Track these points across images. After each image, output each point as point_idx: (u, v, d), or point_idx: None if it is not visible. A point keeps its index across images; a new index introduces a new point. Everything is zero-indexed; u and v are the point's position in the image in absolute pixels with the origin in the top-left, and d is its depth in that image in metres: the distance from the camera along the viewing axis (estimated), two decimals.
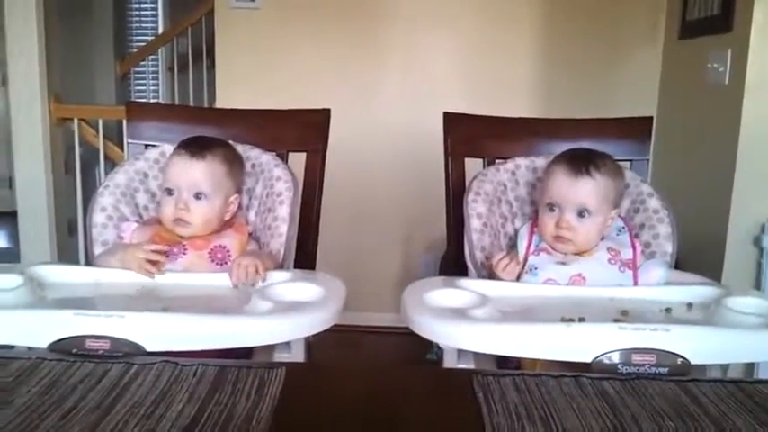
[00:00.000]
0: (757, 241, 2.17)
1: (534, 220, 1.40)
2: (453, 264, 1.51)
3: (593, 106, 2.81)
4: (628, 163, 1.53)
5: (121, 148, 3.29)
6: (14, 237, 3.27)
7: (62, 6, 3.28)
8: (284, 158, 1.56)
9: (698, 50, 2.47)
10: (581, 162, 1.32)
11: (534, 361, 1.13)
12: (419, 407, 0.85)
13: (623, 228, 1.39)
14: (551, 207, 1.33)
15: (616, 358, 0.95)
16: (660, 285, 1.29)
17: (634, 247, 1.34)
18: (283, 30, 2.92)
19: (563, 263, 1.31)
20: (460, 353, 1.17)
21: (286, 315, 1.04)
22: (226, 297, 1.20)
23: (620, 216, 1.40)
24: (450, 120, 1.61)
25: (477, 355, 1.18)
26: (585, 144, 1.43)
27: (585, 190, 1.31)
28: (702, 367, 1.06)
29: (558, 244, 1.32)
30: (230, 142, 1.48)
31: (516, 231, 1.44)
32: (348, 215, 2.96)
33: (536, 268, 1.32)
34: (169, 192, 1.36)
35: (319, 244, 1.63)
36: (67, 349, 0.94)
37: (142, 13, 5.35)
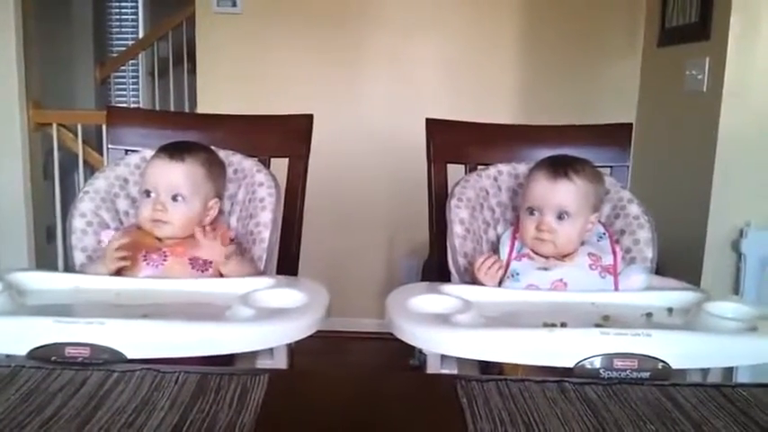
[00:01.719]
0: (736, 246, 2.20)
1: (516, 225, 1.41)
2: (436, 269, 1.51)
3: (574, 112, 2.84)
4: (608, 169, 1.55)
5: (101, 154, 3.26)
6: None
7: (40, 10, 3.25)
8: (266, 164, 1.55)
9: (676, 58, 2.50)
10: (560, 166, 1.34)
11: (516, 366, 1.13)
12: (403, 413, 0.85)
13: (604, 233, 1.40)
14: (531, 210, 1.35)
15: (598, 363, 0.95)
16: (641, 291, 1.30)
17: (615, 253, 1.35)
18: (265, 35, 2.91)
19: (545, 268, 1.32)
20: (444, 358, 1.17)
21: (268, 322, 1.03)
22: (207, 303, 1.19)
23: (600, 222, 1.42)
24: (433, 126, 1.61)
25: (460, 360, 1.18)
26: (566, 150, 1.44)
27: (564, 192, 1.32)
28: (683, 372, 1.07)
29: (538, 246, 1.33)
30: (212, 147, 1.48)
31: (498, 237, 1.44)
32: (331, 220, 2.96)
33: (518, 274, 1.33)
34: (147, 193, 1.36)
35: (302, 249, 1.62)
36: (47, 357, 0.93)
37: (122, 17, 5.31)
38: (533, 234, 1.33)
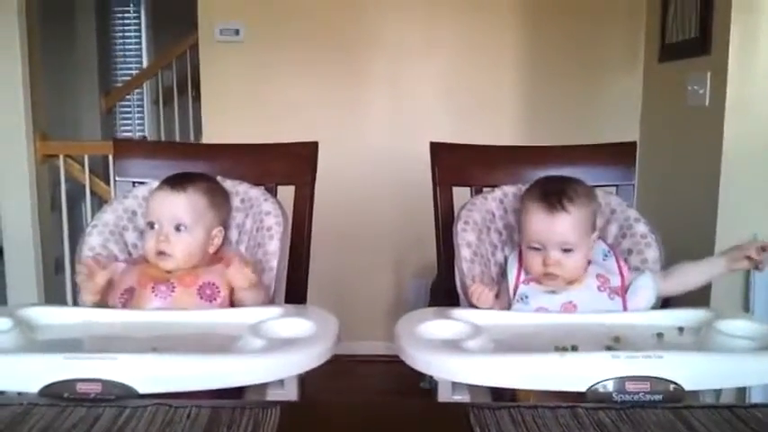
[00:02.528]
0: None
1: (522, 248, 1.40)
2: (444, 292, 1.51)
3: (576, 130, 2.84)
4: (614, 188, 1.55)
5: (108, 183, 3.28)
6: (0, 274, 3.24)
7: (45, 42, 3.29)
8: (273, 192, 1.56)
9: (678, 73, 2.51)
10: (554, 197, 1.32)
11: (528, 391, 1.13)
12: None
13: (609, 252, 1.39)
14: (534, 247, 1.33)
15: (610, 387, 0.95)
16: (650, 310, 1.30)
17: (622, 275, 1.34)
18: (268, 62, 2.94)
19: (553, 291, 1.32)
20: (455, 384, 1.17)
21: (280, 352, 1.03)
22: (217, 335, 1.19)
23: (600, 238, 1.41)
24: (437, 149, 1.62)
25: (471, 386, 1.17)
26: (570, 171, 1.44)
27: (564, 227, 1.30)
28: (696, 393, 1.06)
29: (548, 281, 1.32)
30: (218, 178, 1.49)
31: (506, 259, 1.44)
32: (338, 243, 2.96)
33: (527, 297, 1.33)
34: (151, 225, 1.37)
35: (310, 273, 1.62)
36: (59, 393, 0.93)
37: (126, 46, 5.37)
38: (541, 270, 1.32)
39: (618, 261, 1.37)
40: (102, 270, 1.31)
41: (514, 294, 1.34)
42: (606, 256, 1.38)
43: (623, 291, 1.32)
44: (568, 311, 1.29)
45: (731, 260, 1.32)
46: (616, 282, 1.33)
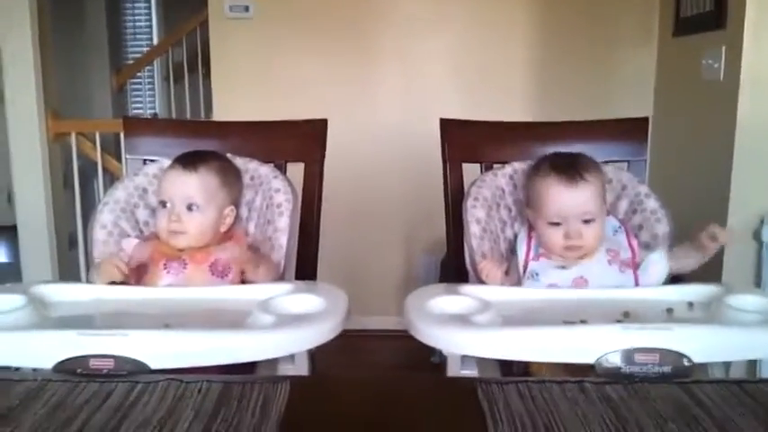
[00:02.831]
0: (757, 235, 2.18)
1: (530, 225, 1.40)
2: (454, 269, 1.52)
3: (589, 105, 2.82)
4: (625, 164, 1.54)
5: (119, 160, 3.30)
6: (15, 251, 3.28)
7: (56, 21, 3.29)
8: (283, 169, 1.56)
9: (692, 47, 2.48)
10: (571, 170, 1.32)
11: (540, 365, 1.13)
12: (424, 418, 0.85)
13: (620, 227, 1.39)
14: (554, 222, 1.32)
15: (619, 358, 0.95)
16: (661, 285, 1.30)
17: (632, 248, 1.34)
18: (278, 39, 2.92)
19: (564, 267, 1.32)
20: (464, 358, 1.18)
21: (289, 328, 1.04)
22: (228, 311, 1.20)
23: (610, 214, 1.40)
24: (447, 126, 1.61)
25: (480, 360, 1.18)
26: (580, 147, 1.44)
27: (587, 197, 1.31)
28: (705, 366, 1.06)
29: (570, 254, 1.32)
30: (228, 155, 1.49)
31: (516, 236, 1.44)
32: (348, 219, 2.97)
33: (537, 274, 1.33)
34: (163, 204, 1.38)
35: (320, 249, 1.63)
36: (72, 369, 0.94)
37: (137, 24, 5.36)
38: (563, 243, 1.31)
39: (628, 235, 1.37)
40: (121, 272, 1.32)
41: (524, 272, 1.34)
42: (617, 231, 1.38)
43: (634, 265, 1.32)
44: (579, 286, 1.29)
45: (700, 249, 1.31)
46: (626, 255, 1.33)
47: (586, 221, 1.30)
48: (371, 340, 2.83)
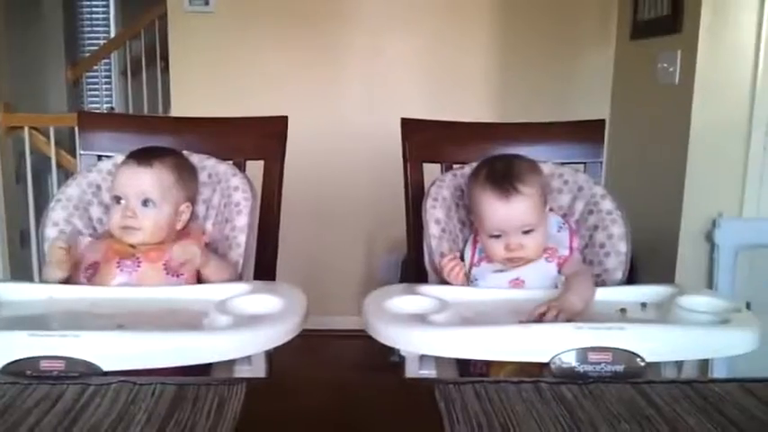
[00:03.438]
0: (709, 236, 2.23)
1: (476, 231, 1.40)
2: (414, 268, 1.52)
3: (549, 107, 2.86)
4: (582, 165, 1.56)
5: (74, 156, 3.23)
6: None
7: (10, 12, 3.20)
8: (242, 167, 1.54)
9: (649, 50, 2.52)
10: (506, 183, 1.29)
11: (499, 367, 1.14)
12: (382, 420, 0.85)
13: (563, 224, 1.39)
14: (494, 235, 1.31)
15: (573, 357, 0.97)
16: (614, 286, 1.32)
17: (571, 248, 1.35)
18: (239, 34, 2.89)
19: (501, 270, 1.33)
20: (422, 358, 1.18)
21: (246, 329, 1.03)
22: (183, 311, 1.18)
23: (552, 210, 1.40)
24: (408, 125, 1.61)
25: (438, 360, 1.19)
26: (538, 148, 1.46)
27: (522, 211, 1.29)
28: (657, 365, 1.09)
29: (511, 263, 1.32)
30: (185, 152, 1.47)
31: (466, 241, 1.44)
32: (309, 219, 2.96)
33: (476, 279, 1.34)
34: (117, 200, 1.36)
35: (281, 248, 1.62)
36: (22, 371, 0.92)
37: (93, 16, 5.24)
38: (504, 255, 1.31)
39: (571, 234, 1.38)
40: (70, 256, 1.28)
41: (468, 278, 1.35)
42: (561, 227, 1.39)
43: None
44: (516, 287, 1.31)
45: None
46: (564, 253, 1.34)
47: (526, 232, 1.30)
48: (331, 340, 2.83)
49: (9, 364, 0.93)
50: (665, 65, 2.35)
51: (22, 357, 0.93)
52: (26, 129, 3.12)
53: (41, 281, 1.33)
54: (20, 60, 3.74)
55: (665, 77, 2.36)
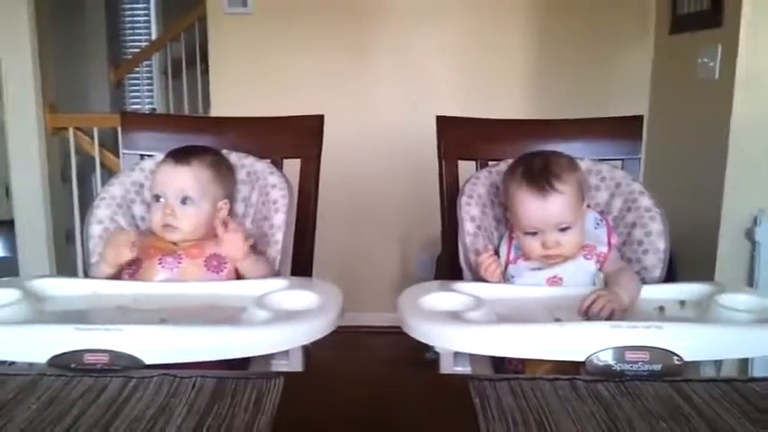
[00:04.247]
0: (750, 234, 2.19)
1: (511, 228, 1.39)
2: (448, 266, 1.52)
3: (585, 103, 2.83)
4: (620, 162, 1.55)
5: (117, 156, 3.30)
6: (12, 246, 3.28)
7: (54, 15, 3.28)
8: (279, 165, 1.57)
9: (688, 45, 2.48)
10: (542, 180, 1.27)
11: (536, 366, 1.14)
12: (417, 414, 0.86)
13: (601, 221, 1.38)
14: (530, 232, 1.30)
15: (609, 356, 0.96)
16: (653, 284, 1.30)
17: (610, 244, 1.33)
18: (276, 34, 2.92)
19: (539, 268, 1.32)
20: (457, 355, 1.18)
21: (284, 324, 1.04)
22: (223, 306, 1.21)
23: (589, 206, 1.39)
24: (443, 123, 1.62)
25: (473, 357, 1.19)
26: (575, 145, 1.44)
27: (558, 208, 1.27)
28: (696, 364, 1.07)
29: (548, 261, 1.31)
30: (224, 151, 1.49)
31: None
32: (345, 217, 2.98)
33: (513, 277, 1.34)
34: (157, 198, 1.39)
35: (317, 246, 1.63)
36: (66, 364, 0.95)
37: (135, 19, 5.34)
38: (540, 252, 1.30)
39: (609, 230, 1.36)
40: (131, 247, 1.31)
41: (504, 276, 1.34)
42: (598, 224, 1.37)
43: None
44: (554, 285, 1.30)
45: None
46: (602, 250, 1.32)
47: (563, 229, 1.29)
48: (367, 336, 2.84)
49: (55, 357, 0.95)
50: (706, 60, 2.31)
51: (67, 350, 0.95)
52: (71, 129, 3.19)
53: (87, 276, 1.36)
54: (63, 63, 3.83)
55: (705, 72, 2.31)
